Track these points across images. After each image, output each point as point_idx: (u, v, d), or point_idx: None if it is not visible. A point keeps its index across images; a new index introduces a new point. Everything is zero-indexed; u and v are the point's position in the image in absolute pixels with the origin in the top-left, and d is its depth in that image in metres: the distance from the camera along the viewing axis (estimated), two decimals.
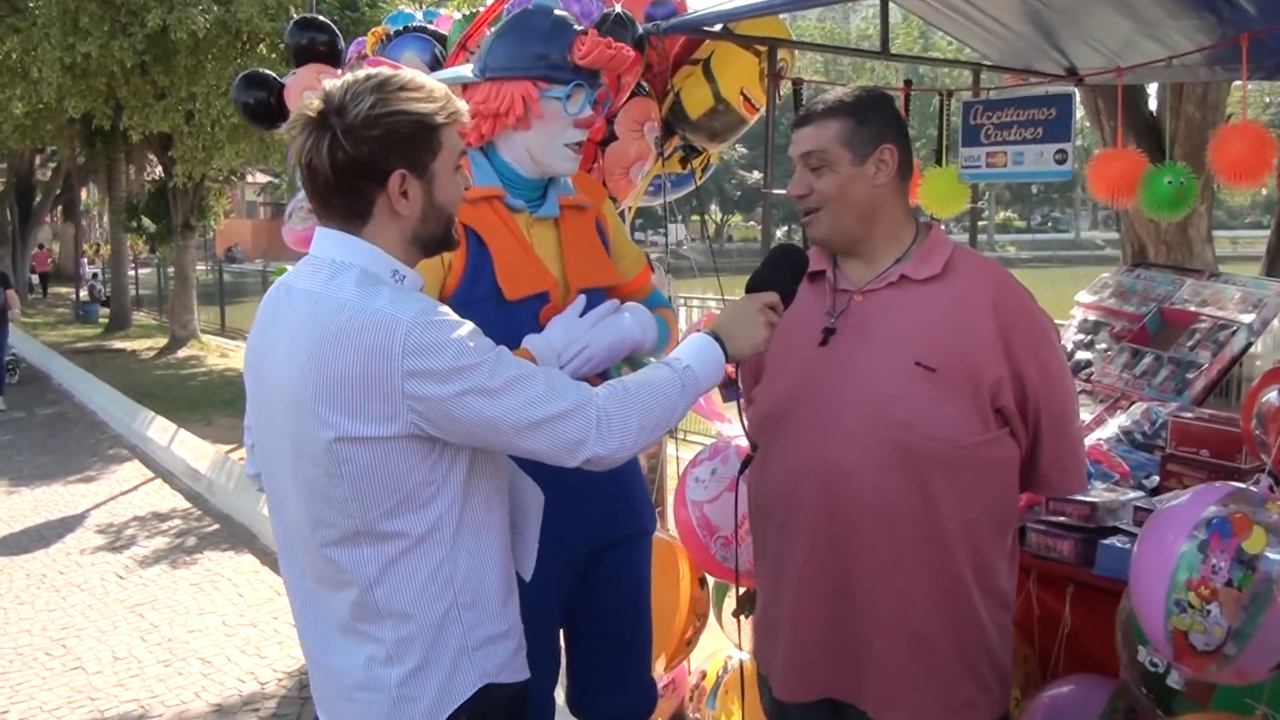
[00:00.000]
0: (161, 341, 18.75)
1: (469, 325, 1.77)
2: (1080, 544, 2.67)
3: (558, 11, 2.41)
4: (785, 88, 3.70)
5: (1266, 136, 2.89)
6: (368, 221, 1.81)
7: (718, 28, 3.48)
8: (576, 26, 2.40)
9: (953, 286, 2.19)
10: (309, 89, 4.26)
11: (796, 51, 3.93)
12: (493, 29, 2.46)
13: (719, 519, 2.89)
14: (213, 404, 12.12)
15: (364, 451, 1.73)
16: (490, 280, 2.32)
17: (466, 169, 2.31)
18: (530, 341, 2.29)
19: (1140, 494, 2.86)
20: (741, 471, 2.40)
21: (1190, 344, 3.82)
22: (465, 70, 2.40)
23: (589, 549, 2.51)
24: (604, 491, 2.42)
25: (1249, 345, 3.75)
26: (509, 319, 2.31)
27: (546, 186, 2.45)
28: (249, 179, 25.94)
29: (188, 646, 5.28)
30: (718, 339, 2.00)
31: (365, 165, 1.76)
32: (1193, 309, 3.96)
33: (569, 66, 2.35)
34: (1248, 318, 3.77)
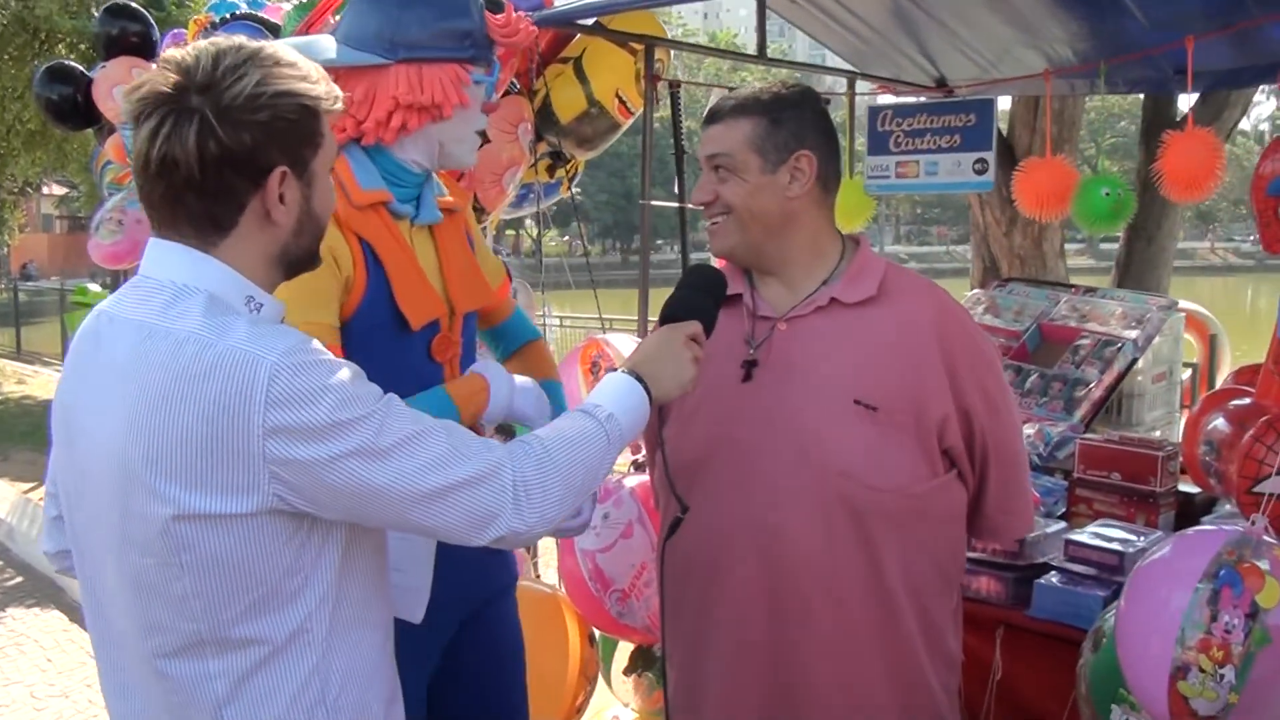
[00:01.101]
0: None
1: (349, 367, 1.40)
2: (1012, 583, 2.47)
3: None
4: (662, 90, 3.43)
5: (1216, 143, 2.76)
6: (229, 233, 1.41)
7: (590, 22, 3.17)
8: None
9: (890, 311, 1.92)
10: (120, 84, 3.83)
11: (675, 53, 3.66)
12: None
13: (614, 570, 2.56)
14: (10, 437, 11.01)
15: (211, 534, 1.34)
16: (387, 304, 1.91)
17: (344, 171, 1.90)
18: (487, 369, 1.95)
19: (1063, 525, 2.68)
20: (669, 536, 1.96)
21: (1075, 361, 3.72)
22: (335, 51, 1.90)
23: (466, 610, 2.13)
24: None
25: (1135, 361, 3.67)
26: (404, 352, 1.92)
27: (422, 186, 2.04)
28: (45, 190, 24.27)
29: None
30: (639, 380, 1.67)
31: (243, 159, 1.37)
32: (1073, 325, 3.87)
33: (489, 45, 1.98)
34: (1132, 333, 3.70)
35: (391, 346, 1.90)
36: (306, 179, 1.45)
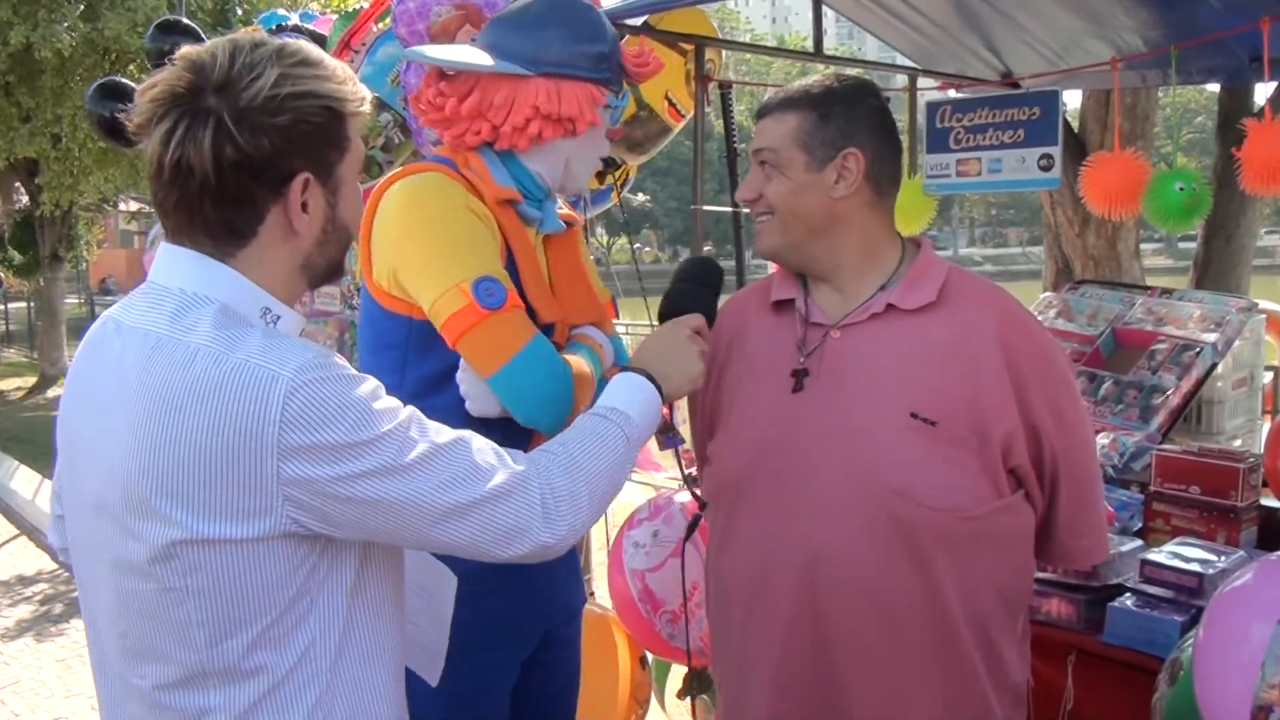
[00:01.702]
0: (31, 380, 17.59)
1: (371, 381, 1.32)
2: (1085, 606, 2.32)
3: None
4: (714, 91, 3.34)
5: None
6: (248, 242, 1.34)
7: (638, 22, 3.09)
8: None
9: (952, 318, 1.80)
10: None
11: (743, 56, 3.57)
12: (501, 17, 1.99)
13: (664, 591, 2.47)
14: None
15: (218, 559, 1.26)
16: (518, 291, 1.90)
17: (480, 168, 1.92)
18: (586, 330, 2.01)
19: (1139, 543, 2.53)
20: (689, 534, 2.02)
21: (1151, 366, 3.56)
22: (484, 57, 1.92)
23: (545, 628, 2.09)
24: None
25: (1214, 366, 3.49)
26: None
27: (545, 200, 2.05)
28: (121, 207, 24.81)
29: None
30: (649, 378, 1.61)
31: (263, 165, 1.30)
32: (1149, 329, 3.70)
33: (621, 72, 2.01)
34: (1211, 337, 3.52)
35: None
36: (332, 186, 1.38)
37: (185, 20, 3.78)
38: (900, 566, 1.74)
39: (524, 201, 1.97)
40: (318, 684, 1.34)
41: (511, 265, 1.90)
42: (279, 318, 1.37)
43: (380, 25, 3.02)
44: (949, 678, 1.77)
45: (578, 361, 1.89)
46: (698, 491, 1.96)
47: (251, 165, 1.29)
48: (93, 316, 22.20)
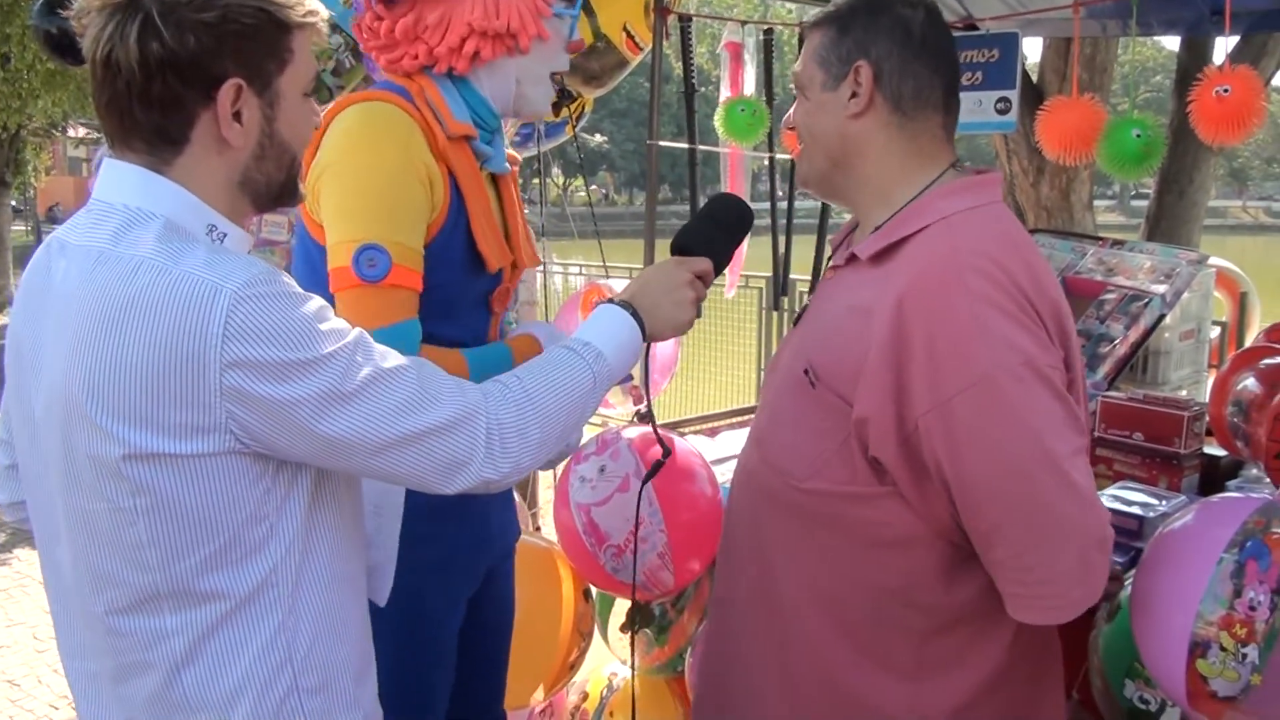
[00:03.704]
0: None
1: (317, 300, 1.29)
2: None
3: None
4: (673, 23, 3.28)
5: (1257, 82, 2.60)
6: (181, 151, 1.30)
7: None
8: None
9: (885, 276, 1.56)
10: None
11: None
12: None
13: (609, 525, 2.45)
14: None
15: (166, 476, 1.23)
16: (463, 242, 1.83)
17: (437, 100, 1.81)
18: (535, 328, 1.95)
19: None
20: (647, 479, 1.97)
21: (1100, 316, 3.58)
22: None
23: (490, 562, 2.09)
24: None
25: (1162, 317, 3.51)
26: (464, 294, 1.86)
27: (495, 133, 1.95)
28: (70, 132, 24.18)
29: None
30: (635, 315, 1.56)
31: (188, 65, 1.26)
32: (1099, 278, 3.71)
33: None
34: (1160, 288, 3.53)
35: (455, 286, 1.83)
36: (269, 98, 1.33)
37: None
38: (745, 527, 1.74)
39: (478, 138, 1.88)
40: (277, 611, 1.32)
41: (459, 208, 1.83)
42: (225, 235, 1.33)
43: None
44: (789, 661, 1.66)
45: (445, 357, 1.76)
46: (661, 434, 1.95)
47: (177, 63, 1.26)
48: (39, 243, 21.80)
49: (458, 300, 1.87)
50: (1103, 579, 1.45)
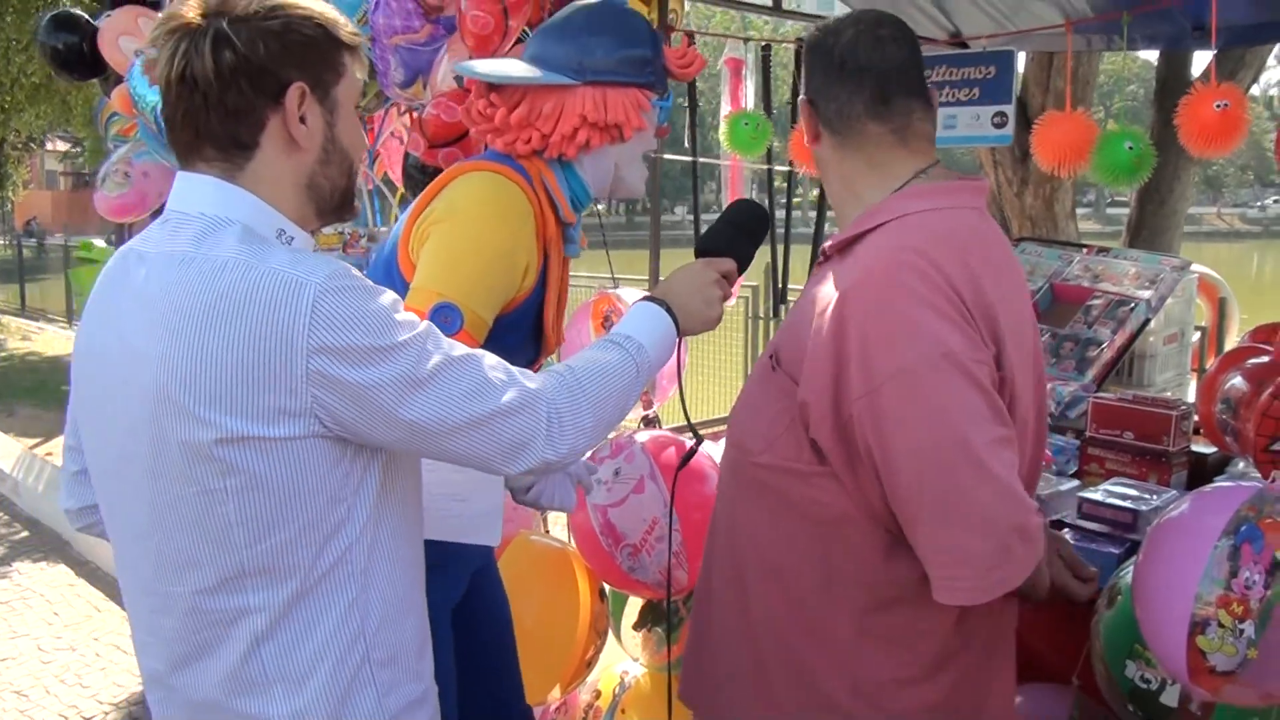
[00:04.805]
0: None
1: (391, 294, 1.40)
2: None
3: (629, 6, 2.10)
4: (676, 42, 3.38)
5: (1241, 97, 2.73)
6: (252, 154, 1.41)
7: None
8: None
9: (843, 269, 1.68)
10: (126, 34, 3.78)
11: (691, 3, 3.61)
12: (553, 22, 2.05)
13: (625, 525, 2.56)
14: (15, 393, 11.01)
15: (257, 458, 1.32)
16: (533, 318, 2.01)
17: (555, 188, 1.99)
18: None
19: (1077, 483, 2.67)
20: (682, 465, 2.14)
21: (1088, 321, 3.70)
22: (531, 70, 1.97)
23: (480, 561, 2.18)
24: None
25: (1147, 321, 3.64)
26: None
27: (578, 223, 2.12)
28: (49, 146, 24.12)
29: None
30: (669, 311, 1.68)
31: (259, 70, 1.37)
32: (1086, 285, 3.84)
33: (665, 74, 2.06)
34: (1145, 293, 3.67)
35: (507, 356, 1.98)
36: (329, 105, 1.45)
37: None
38: (721, 496, 1.88)
39: (575, 223, 2.05)
40: (354, 585, 1.41)
41: (541, 290, 1.99)
42: (293, 239, 1.44)
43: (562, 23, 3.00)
44: (751, 634, 1.78)
45: None
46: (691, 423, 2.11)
47: (249, 69, 1.37)
48: (18, 257, 21.63)
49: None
50: (1023, 565, 1.53)
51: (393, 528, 1.47)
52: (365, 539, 1.42)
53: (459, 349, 1.42)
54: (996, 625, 1.75)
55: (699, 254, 1.87)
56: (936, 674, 1.69)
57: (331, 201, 1.50)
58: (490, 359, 1.46)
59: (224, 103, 1.37)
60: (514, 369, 1.47)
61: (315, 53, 1.41)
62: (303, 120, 1.41)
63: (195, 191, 1.41)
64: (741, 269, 1.85)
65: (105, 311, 1.44)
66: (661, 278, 3.83)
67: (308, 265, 1.33)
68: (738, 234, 1.88)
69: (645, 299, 1.73)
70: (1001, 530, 1.50)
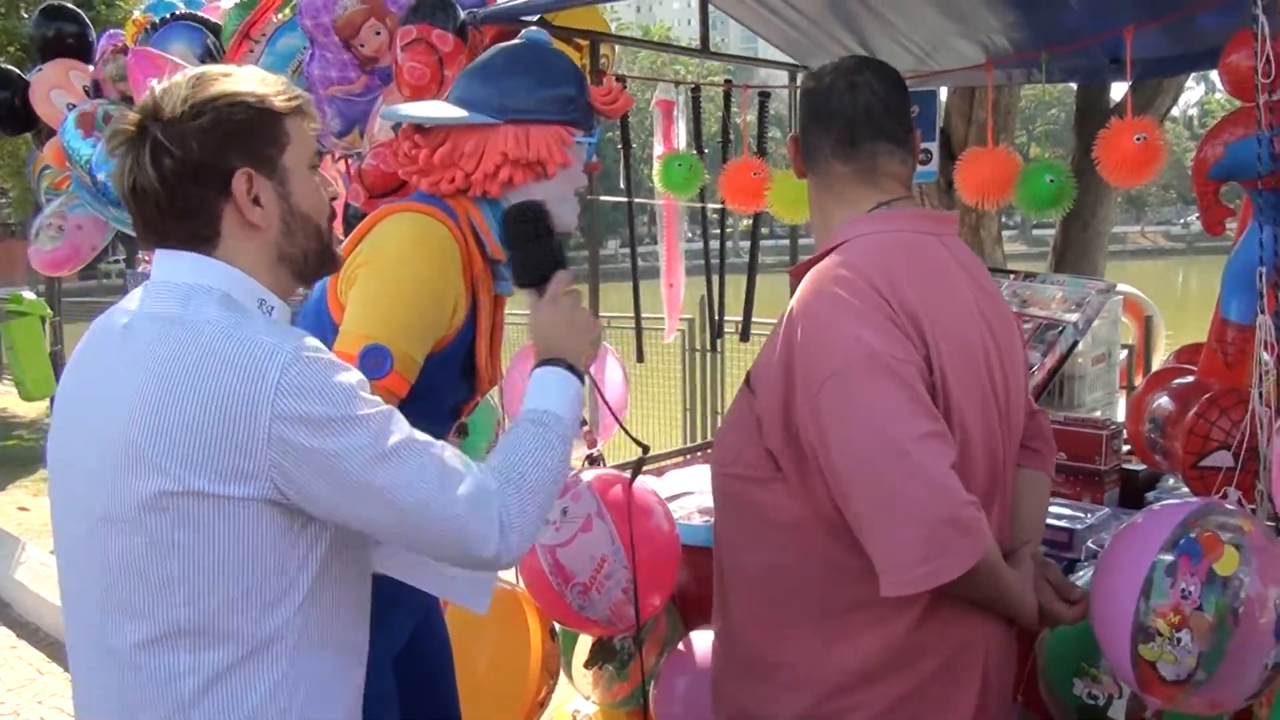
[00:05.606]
0: None
1: (359, 374, 1.44)
2: None
3: (552, 46, 2.15)
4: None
5: (1157, 129, 2.84)
6: (216, 244, 1.46)
7: (534, 19, 3.17)
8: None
9: (797, 292, 1.83)
10: (57, 87, 3.76)
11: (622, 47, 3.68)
12: (480, 64, 2.08)
13: (574, 564, 2.57)
14: None
15: (208, 514, 1.35)
16: (461, 358, 2.03)
17: (482, 227, 2.02)
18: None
19: None
20: (633, 477, 2.31)
21: None
22: (454, 111, 2.01)
23: (421, 612, 2.19)
24: None
25: (1076, 344, 3.74)
26: (440, 402, 2.04)
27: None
28: None
29: None
30: (568, 367, 1.71)
31: (199, 168, 1.41)
32: (1015, 309, 3.94)
33: (590, 111, 2.10)
34: (1072, 316, 3.76)
35: (440, 393, 2.01)
36: (279, 178, 1.48)
37: (70, 5, 3.71)
38: (714, 511, 2.00)
39: (504, 262, 2.04)
40: (282, 661, 1.42)
41: (470, 327, 2.01)
42: (273, 309, 1.49)
43: (280, 16, 3.04)
44: (726, 644, 1.94)
45: None
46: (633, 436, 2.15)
47: (190, 170, 1.41)
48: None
49: (436, 406, 2.02)
50: (962, 557, 1.59)
51: (332, 608, 1.48)
52: (301, 616, 1.43)
53: (420, 435, 1.46)
54: (961, 638, 1.77)
55: (527, 287, 1.86)
56: (891, 676, 1.73)
57: (309, 266, 1.54)
58: (449, 450, 1.48)
59: (174, 206, 1.42)
60: (464, 460, 1.49)
61: (251, 135, 1.44)
62: (256, 201, 1.44)
63: (175, 266, 1.46)
64: (562, 265, 1.84)
65: (88, 363, 1.48)
66: (605, 310, 3.89)
67: (282, 337, 1.39)
68: (542, 240, 1.86)
69: (543, 364, 1.72)
70: (932, 521, 1.58)
